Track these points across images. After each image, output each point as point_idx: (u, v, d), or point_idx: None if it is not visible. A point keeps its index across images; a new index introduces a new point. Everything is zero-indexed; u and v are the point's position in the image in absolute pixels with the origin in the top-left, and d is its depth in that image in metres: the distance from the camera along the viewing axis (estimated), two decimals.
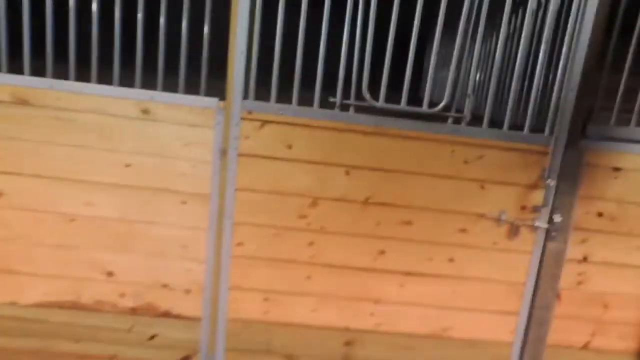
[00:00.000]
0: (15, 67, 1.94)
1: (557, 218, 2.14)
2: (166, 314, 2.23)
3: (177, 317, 2.24)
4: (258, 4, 1.92)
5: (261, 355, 2.30)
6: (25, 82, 1.95)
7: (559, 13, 2.03)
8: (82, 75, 1.96)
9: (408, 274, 2.24)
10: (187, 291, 2.20)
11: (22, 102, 1.95)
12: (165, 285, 2.19)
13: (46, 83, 1.95)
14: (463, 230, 2.19)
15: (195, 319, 2.24)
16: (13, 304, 2.16)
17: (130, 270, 2.17)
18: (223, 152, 2.04)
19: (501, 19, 1.98)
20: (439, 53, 1.94)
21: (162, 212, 2.11)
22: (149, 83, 2.00)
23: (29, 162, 2.01)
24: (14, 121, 1.97)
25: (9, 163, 2.01)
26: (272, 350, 2.29)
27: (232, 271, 2.17)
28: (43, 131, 1.99)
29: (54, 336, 2.21)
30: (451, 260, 2.23)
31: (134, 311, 2.21)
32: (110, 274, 2.16)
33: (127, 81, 1.98)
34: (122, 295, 2.19)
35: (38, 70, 1.95)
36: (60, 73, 1.96)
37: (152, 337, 2.25)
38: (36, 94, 1.95)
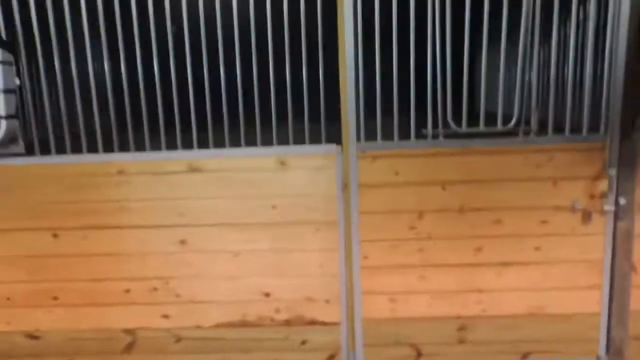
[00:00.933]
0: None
1: (622, 201, 2.58)
2: (312, 322, 2.79)
3: (321, 323, 2.78)
4: (360, 72, 2.53)
5: (392, 347, 2.81)
6: (194, 155, 2.61)
7: (598, 23, 2.51)
8: (221, 139, 2.60)
9: (503, 264, 2.72)
10: (327, 301, 2.76)
11: (194, 170, 2.61)
12: (309, 299, 2.76)
13: (209, 153, 2.61)
14: (544, 222, 2.67)
15: (335, 324, 2.78)
16: (198, 327, 2.77)
17: (282, 290, 2.75)
18: (345, 186, 2.63)
19: (549, 35, 2.52)
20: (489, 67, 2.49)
21: (302, 239, 2.69)
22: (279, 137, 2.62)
23: (203, 214, 2.65)
24: (190, 185, 2.62)
25: (189, 217, 2.65)
26: (400, 342, 2.80)
27: (362, 280, 2.72)
28: (211, 190, 2.63)
29: (229, 350, 2.80)
30: (537, 248, 2.70)
31: (287, 322, 2.78)
32: (267, 294, 2.75)
33: (264, 138, 2.62)
34: (278, 310, 2.77)
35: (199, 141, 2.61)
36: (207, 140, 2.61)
37: (303, 343, 2.81)
38: (203, 163, 2.61)
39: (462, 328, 2.79)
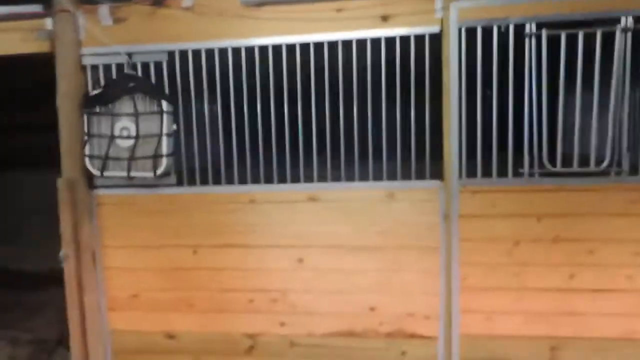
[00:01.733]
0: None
1: None
2: (412, 336, 3.10)
3: (421, 337, 3.09)
4: (463, 114, 2.83)
5: None
6: (314, 187, 3.01)
7: None
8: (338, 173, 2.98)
9: (595, 290, 2.91)
10: (427, 317, 3.06)
11: (312, 199, 3.01)
12: (410, 314, 3.07)
13: (327, 186, 3.00)
14: (636, 253, 2.84)
15: (434, 338, 3.08)
16: (310, 335, 3.16)
17: (386, 305, 3.08)
18: (446, 216, 2.93)
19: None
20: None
21: (406, 262, 3.02)
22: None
23: (318, 237, 3.04)
24: (308, 212, 3.03)
25: (306, 239, 3.06)
26: (494, 358, 3.06)
27: (460, 299, 3.00)
28: (326, 217, 3.02)
29: (336, 357, 3.16)
30: (629, 277, 2.88)
31: (389, 335, 3.11)
32: (372, 309, 3.09)
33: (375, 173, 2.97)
34: (381, 323, 3.10)
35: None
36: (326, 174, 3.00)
37: (403, 354, 3.12)
38: (320, 193, 3.00)
39: (554, 348, 3.00)
